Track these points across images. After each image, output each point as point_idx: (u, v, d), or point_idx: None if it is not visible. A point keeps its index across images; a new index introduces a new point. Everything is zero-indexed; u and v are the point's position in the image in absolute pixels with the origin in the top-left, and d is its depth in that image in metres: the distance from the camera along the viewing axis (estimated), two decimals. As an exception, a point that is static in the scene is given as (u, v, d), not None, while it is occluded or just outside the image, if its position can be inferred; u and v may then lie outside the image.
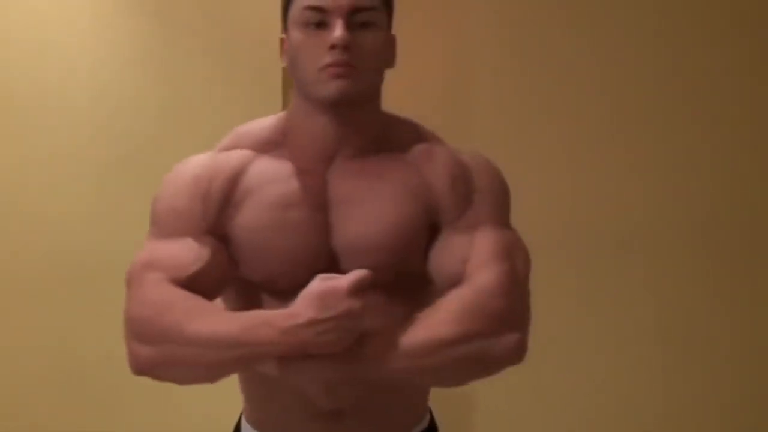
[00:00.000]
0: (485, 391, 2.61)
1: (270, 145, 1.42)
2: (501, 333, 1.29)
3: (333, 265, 1.36)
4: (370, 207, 1.39)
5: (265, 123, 1.45)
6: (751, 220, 2.97)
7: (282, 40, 1.41)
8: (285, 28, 1.40)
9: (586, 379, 2.97)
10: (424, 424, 1.50)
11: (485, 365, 1.31)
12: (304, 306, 1.24)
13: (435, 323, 1.28)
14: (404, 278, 1.39)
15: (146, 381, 1.81)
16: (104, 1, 2.68)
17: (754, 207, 2.97)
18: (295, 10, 1.35)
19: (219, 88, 2.56)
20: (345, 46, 1.30)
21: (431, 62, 2.98)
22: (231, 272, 1.40)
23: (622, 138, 2.97)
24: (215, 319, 1.27)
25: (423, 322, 1.29)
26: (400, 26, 2.23)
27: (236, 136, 1.45)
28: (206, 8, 2.64)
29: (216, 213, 1.38)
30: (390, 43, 1.40)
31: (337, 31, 1.30)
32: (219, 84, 2.59)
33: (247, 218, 1.38)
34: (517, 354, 1.31)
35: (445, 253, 1.38)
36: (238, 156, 1.41)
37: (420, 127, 1.48)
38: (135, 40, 2.66)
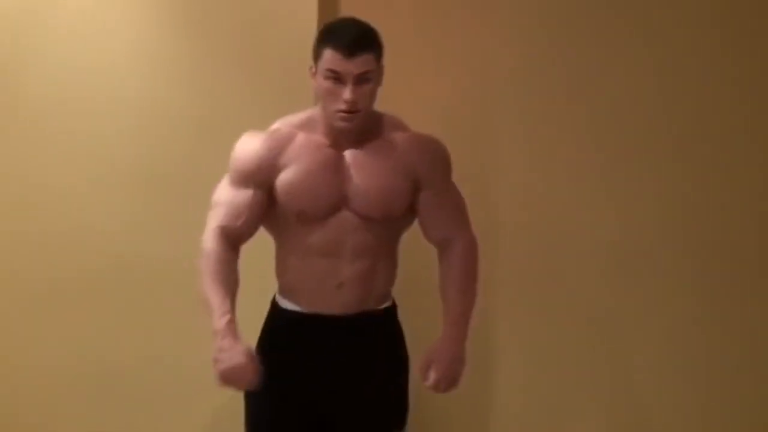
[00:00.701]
0: (505, 400, 3.03)
1: (304, 127, 2.25)
2: (476, 259, 2.33)
3: (344, 204, 2.21)
4: (370, 170, 2.23)
5: (300, 114, 2.29)
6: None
7: (311, 68, 2.16)
8: (315, 63, 2.14)
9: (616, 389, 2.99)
10: (389, 302, 2.36)
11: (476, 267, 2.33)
12: (219, 346, 2.06)
13: (456, 308, 2.24)
14: (387, 219, 2.25)
15: (181, 384, 2.82)
16: (149, 22, 2.83)
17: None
18: (321, 64, 2.11)
19: (254, 107, 2.69)
20: (353, 102, 2.11)
21: (450, 68, 2.98)
22: (269, 212, 2.24)
23: (648, 145, 2.93)
24: (214, 290, 2.13)
25: (450, 312, 2.25)
26: (420, 33, 2.94)
27: (281, 121, 2.28)
28: (243, 30, 2.80)
29: (268, 170, 2.20)
30: (380, 78, 2.17)
31: (347, 93, 2.09)
32: (253, 101, 2.75)
33: (291, 172, 2.20)
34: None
35: (432, 213, 2.27)
36: (285, 131, 2.25)
37: (395, 118, 2.32)
38: (177, 58, 2.82)
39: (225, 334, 2.04)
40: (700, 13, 2.87)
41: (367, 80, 2.10)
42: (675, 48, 2.89)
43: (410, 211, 2.27)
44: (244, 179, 2.19)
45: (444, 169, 2.30)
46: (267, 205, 2.20)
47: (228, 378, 2.05)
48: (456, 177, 2.29)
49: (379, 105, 2.21)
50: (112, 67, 2.79)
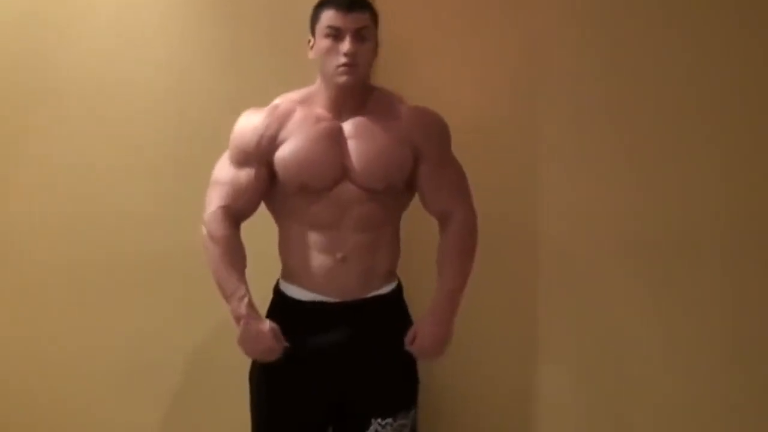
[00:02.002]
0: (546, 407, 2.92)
1: (304, 102, 2.26)
2: (473, 234, 2.32)
3: (346, 176, 2.20)
4: (371, 141, 2.22)
5: (300, 90, 2.30)
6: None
7: (309, 42, 2.21)
8: (313, 34, 2.21)
9: (654, 389, 2.88)
10: (395, 283, 2.33)
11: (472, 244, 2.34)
12: (245, 331, 2.18)
13: (447, 285, 2.27)
14: (388, 189, 2.23)
15: (216, 379, 2.76)
16: (190, 11, 2.82)
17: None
18: (320, 26, 2.17)
19: (281, 88, 2.49)
20: (352, 54, 2.14)
21: (501, 57, 2.88)
22: (271, 189, 2.24)
23: (698, 137, 2.80)
24: (227, 274, 2.20)
25: (441, 288, 2.27)
26: (471, 22, 2.84)
27: (281, 97, 2.29)
28: (271, 8, 2.80)
29: (268, 145, 2.21)
30: (376, 46, 2.22)
31: (346, 45, 2.14)
32: (280, 81, 2.56)
33: (291, 145, 2.20)
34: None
35: (431, 186, 2.27)
36: (285, 107, 2.25)
37: (393, 92, 2.33)
38: (218, 48, 2.83)
39: (248, 319, 2.16)
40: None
41: (365, 38, 2.15)
42: (712, 41, 2.77)
43: (410, 184, 2.27)
44: (245, 157, 2.21)
45: (443, 142, 2.28)
46: (269, 181, 2.22)
47: (256, 357, 2.22)
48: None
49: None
50: (138, 50, 2.79)
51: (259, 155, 2.19)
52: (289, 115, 2.21)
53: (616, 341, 2.86)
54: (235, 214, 2.22)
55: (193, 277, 2.67)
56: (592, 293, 2.86)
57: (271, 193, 2.24)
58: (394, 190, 2.23)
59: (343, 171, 2.17)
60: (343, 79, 2.15)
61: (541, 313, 2.89)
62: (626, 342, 2.85)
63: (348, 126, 2.20)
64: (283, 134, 2.19)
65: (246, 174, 2.20)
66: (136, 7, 2.79)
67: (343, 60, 2.12)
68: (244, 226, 2.25)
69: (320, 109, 2.21)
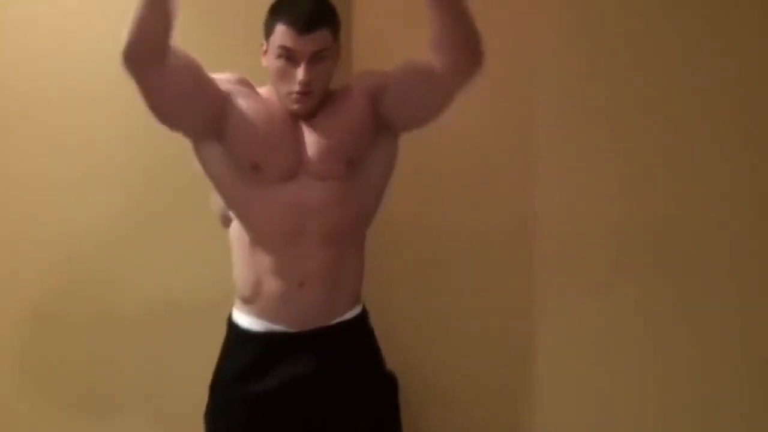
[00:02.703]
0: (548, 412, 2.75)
1: (266, 96, 1.96)
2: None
3: (302, 168, 1.91)
4: (325, 129, 1.93)
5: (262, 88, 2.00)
6: None
7: (261, 46, 1.92)
8: (266, 40, 1.90)
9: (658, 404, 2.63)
10: (359, 308, 2.05)
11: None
12: None
13: None
14: (351, 171, 1.94)
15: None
16: None
17: None
18: (273, 41, 1.87)
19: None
20: (306, 83, 1.86)
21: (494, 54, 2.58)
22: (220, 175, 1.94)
23: (703, 137, 2.54)
24: None
25: None
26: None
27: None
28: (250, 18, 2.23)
29: (229, 98, 1.89)
30: (337, 57, 1.94)
31: (301, 74, 1.85)
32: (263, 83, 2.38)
33: (248, 115, 1.89)
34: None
35: (409, 94, 1.94)
36: (253, 85, 1.96)
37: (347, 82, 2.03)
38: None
39: None
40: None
41: (323, 59, 1.87)
42: (719, 39, 2.48)
43: (379, 150, 1.97)
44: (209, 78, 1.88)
45: (382, 72, 1.98)
46: (214, 114, 1.88)
47: None
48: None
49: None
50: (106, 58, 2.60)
51: (219, 96, 1.88)
52: (254, 91, 1.95)
53: (615, 351, 2.65)
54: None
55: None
56: (590, 300, 2.66)
57: (219, 170, 1.94)
58: (359, 172, 1.95)
59: (298, 161, 1.91)
60: (295, 106, 1.90)
61: (538, 323, 2.70)
62: (624, 352, 2.64)
63: (305, 124, 1.94)
64: (244, 100, 1.90)
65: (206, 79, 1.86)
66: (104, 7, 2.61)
67: (296, 88, 1.86)
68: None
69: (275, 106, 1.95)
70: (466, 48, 1.87)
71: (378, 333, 2.11)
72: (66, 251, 2.69)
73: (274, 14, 1.88)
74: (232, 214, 2.03)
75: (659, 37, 2.54)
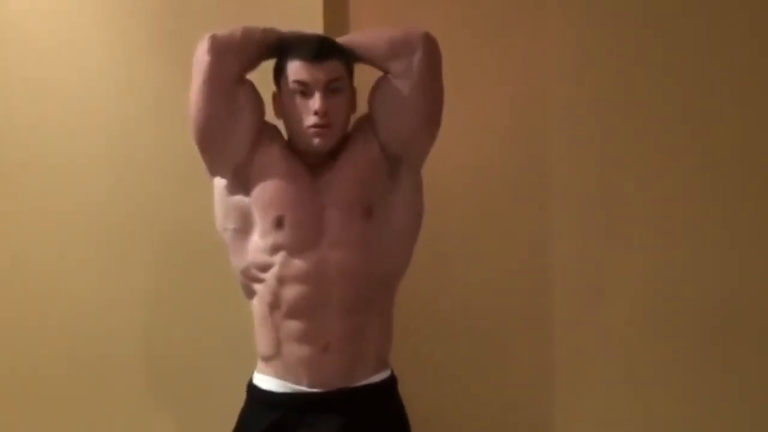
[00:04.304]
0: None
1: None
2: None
3: (323, 238, 1.84)
4: (344, 172, 1.86)
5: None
6: None
7: (274, 95, 1.90)
8: (278, 88, 1.89)
9: None
10: (387, 372, 1.93)
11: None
12: None
13: None
14: (370, 214, 1.86)
15: None
16: (117, 41, 2.46)
17: None
18: (286, 81, 1.85)
19: None
20: (323, 112, 1.83)
21: (504, 78, 2.60)
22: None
23: (727, 184, 2.50)
24: None
25: None
26: (476, 42, 2.55)
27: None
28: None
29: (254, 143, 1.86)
30: (353, 96, 1.91)
31: (317, 103, 1.81)
32: None
33: (271, 169, 1.86)
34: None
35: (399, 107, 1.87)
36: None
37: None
38: (151, 83, 2.43)
39: None
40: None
41: (338, 90, 1.83)
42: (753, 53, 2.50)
43: (394, 184, 1.89)
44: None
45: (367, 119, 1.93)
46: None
47: None
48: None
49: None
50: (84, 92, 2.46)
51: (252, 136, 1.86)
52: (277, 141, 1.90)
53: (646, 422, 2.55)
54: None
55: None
56: (616, 368, 2.56)
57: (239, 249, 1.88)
58: (380, 221, 1.86)
59: (319, 219, 1.84)
60: (315, 141, 1.82)
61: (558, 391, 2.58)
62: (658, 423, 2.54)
63: (319, 170, 1.87)
64: (267, 148, 1.87)
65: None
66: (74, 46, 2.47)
67: (312, 120, 1.81)
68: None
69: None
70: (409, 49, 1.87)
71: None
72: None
73: (283, 55, 1.87)
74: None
75: (674, 83, 2.52)
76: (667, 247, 2.52)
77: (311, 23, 2.26)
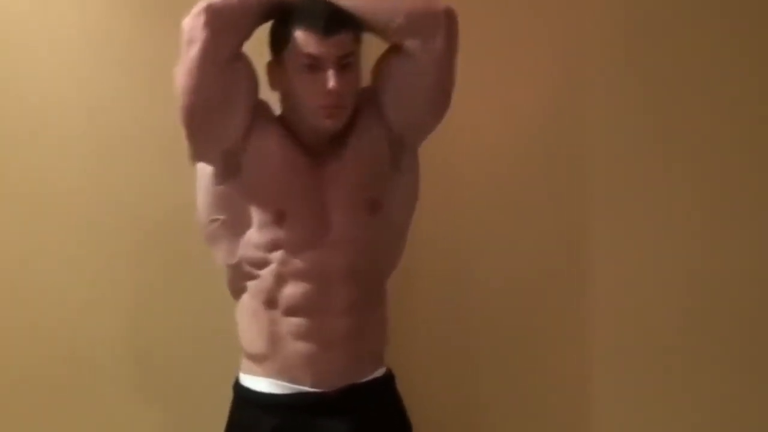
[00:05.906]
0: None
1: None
2: None
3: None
4: (347, 161, 1.72)
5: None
6: None
7: (270, 65, 1.69)
8: (276, 58, 1.68)
9: None
10: (383, 369, 1.84)
11: None
12: None
13: None
14: (375, 208, 1.74)
15: None
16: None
17: None
18: (291, 53, 1.64)
19: None
20: (338, 92, 1.63)
21: (541, 65, 2.36)
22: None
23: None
24: None
25: None
26: (510, 27, 2.33)
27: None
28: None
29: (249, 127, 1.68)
30: (360, 72, 1.72)
31: (332, 81, 1.61)
32: None
33: (267, 158, 1.70)
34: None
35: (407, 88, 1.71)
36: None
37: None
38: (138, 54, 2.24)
39: None
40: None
41: (349, 66, 1.64)
42: None
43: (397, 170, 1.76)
44: None
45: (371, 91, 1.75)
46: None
47: None
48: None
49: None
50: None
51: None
52: (273, 124, 1.72)
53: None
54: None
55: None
56: (664, 380, 2.39)
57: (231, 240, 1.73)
58: (383, 214, 1.74)
59: (324, 229, 1.71)
60: (326, 122, 1.65)
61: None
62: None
63: (325, 157, 1.72)
64: (263, 133, 1.69)
65: None
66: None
67: (326, 100, 1.62)
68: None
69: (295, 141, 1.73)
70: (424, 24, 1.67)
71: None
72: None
73: (288, 22, 1.65)
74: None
75: (731, 65, 2.34)
76: (716, 243, 2.35)
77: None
